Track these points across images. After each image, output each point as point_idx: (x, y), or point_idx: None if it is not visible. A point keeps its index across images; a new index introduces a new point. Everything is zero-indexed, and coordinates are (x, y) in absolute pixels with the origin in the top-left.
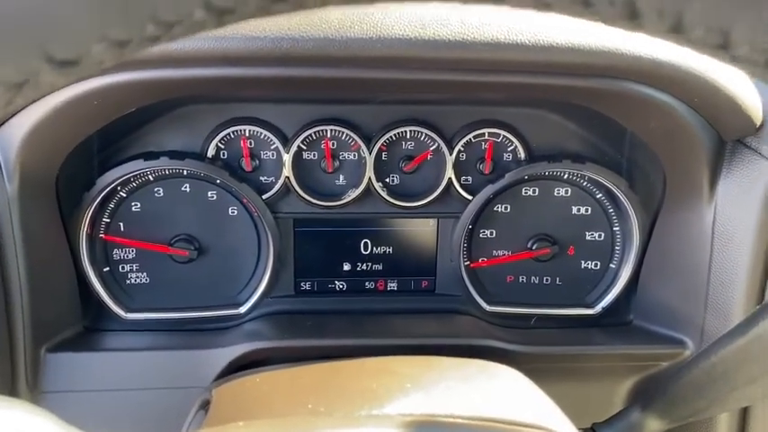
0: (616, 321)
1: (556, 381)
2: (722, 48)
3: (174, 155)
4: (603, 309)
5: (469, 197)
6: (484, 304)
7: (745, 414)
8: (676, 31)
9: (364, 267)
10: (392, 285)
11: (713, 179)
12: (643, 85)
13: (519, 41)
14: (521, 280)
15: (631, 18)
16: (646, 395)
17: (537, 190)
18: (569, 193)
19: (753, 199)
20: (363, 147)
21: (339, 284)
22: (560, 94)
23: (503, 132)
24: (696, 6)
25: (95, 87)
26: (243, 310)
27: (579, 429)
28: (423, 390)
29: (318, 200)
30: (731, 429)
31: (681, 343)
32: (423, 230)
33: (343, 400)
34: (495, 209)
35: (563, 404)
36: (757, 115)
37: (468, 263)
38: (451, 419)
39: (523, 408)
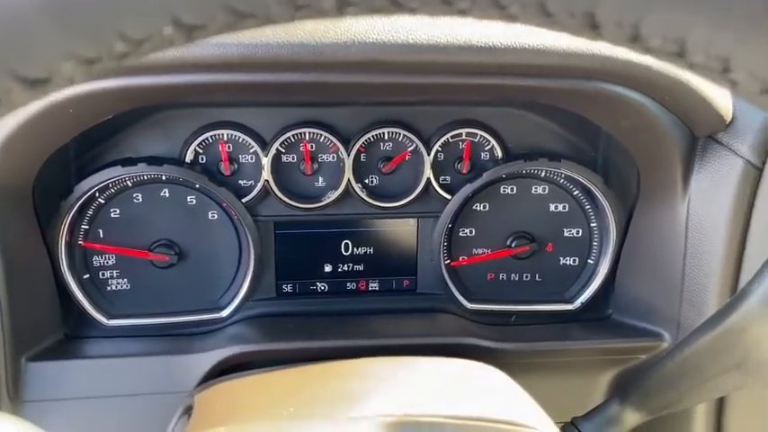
0: (595, 316)
1: (536, 376)
2: (679, 56)
3: (152, 160)
4: (582, 304)
5: (448, 196)
6: (465, 302)
7: (721, 405)
8: (635, 40)
9: (345, 268)
10: (374, 285)
11: (686, 175)
12: (614, 85)
13: (492, 44)
14: (501, 277)
15: (592, 29)
16: (624, 388)
17: (515, 188)
18: (547, 191)
19: (725, 193)
20: (342, 149)
21: (321, 286)
22: (533, 94)
23: (480, 132)
24: (652, 18)
25: (69, 96)
26: (225, 313)
27: (559, 423)
28: (402, 390)
29: (298, 202)
30: (708, 420)
31: (658, 336)
32: (403, 230)
33: (324, 402)
34: (473, 208)
35: (543, 399)
36: (727, 112)
37: (448, 261)
38: (431, 419)
39: (502, 405)
